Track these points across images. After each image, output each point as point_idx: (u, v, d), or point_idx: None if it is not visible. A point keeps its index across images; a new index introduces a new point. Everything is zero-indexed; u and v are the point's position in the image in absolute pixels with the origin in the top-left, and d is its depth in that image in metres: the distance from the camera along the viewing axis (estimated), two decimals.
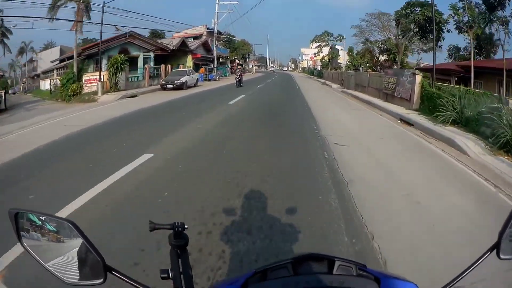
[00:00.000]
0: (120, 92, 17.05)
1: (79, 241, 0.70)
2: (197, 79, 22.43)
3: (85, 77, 18.75)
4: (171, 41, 26.72)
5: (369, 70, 18.41)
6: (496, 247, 0.73)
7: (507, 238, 0.73)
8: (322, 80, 33.69)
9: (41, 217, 0.72)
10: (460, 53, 29.44)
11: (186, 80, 19.66)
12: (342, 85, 25.66)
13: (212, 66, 30.68)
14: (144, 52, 22.28)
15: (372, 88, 17.14)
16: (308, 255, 0.74)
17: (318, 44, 43.77)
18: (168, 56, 27.05)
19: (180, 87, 18.92)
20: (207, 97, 15.42)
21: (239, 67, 19.80)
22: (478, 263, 0.73)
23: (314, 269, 0.71)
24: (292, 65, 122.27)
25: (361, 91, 18.85)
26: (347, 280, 0.67)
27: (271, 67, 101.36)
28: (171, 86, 18.72)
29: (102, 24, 17.17)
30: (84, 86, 18.60)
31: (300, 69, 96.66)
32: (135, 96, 16.21)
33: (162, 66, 23.23)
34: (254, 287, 0.68)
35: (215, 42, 32.05)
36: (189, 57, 28.01)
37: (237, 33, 72.83)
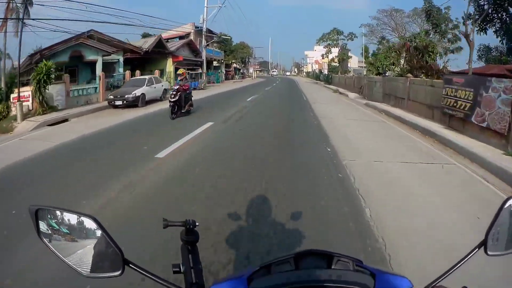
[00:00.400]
0: (51, 114, 11.72)
1: (97, 235, 0.72)
2: (165, 90, 16.33)
3: (13, 95, 13.56)
4: (146, 41, 21.39)
5: (409, 75, 13.02)
6: (483, 244, 0.76)
7: (493, 236, 0.76)
8: (333, 87, 28.28)
9: (61, 213, 0.74)
10: (492, 53, 24.43)
11: (142, 93, 13.73)
12: (361, 94, 20.35)
13: (199, 71, 25.26)
14: (104, 56, 17.03)
15: (415, 103, 11.81)
16: (309, 251, 0.76)
17: (326, 43, 37.60)
18: (146, 60, 21.89)
19: (133, 104, 13.18)
20: (152, 126, 9.20)
21: (182, 72, 11.68)
22: (467, 259, 0.76)
23: (314, 264, 0.74)
24: (296, 69, 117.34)
25: (394, 105, 13.52)
26: (345, 274, 0.70)
27: (273, 71, 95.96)
28: (120, 102, 13.01)
29: (23, 18, 11.92)
30: (12, 106, 13.42)
31: (304, 73, 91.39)
32: (65, 120, 10.80)
33: (127, 72, 17.85)
34: (260, 280, 0.71)
35: (203, 42, 26.54)
36: (169, 61, 22.65)
37: (236, 36, 67.92)
